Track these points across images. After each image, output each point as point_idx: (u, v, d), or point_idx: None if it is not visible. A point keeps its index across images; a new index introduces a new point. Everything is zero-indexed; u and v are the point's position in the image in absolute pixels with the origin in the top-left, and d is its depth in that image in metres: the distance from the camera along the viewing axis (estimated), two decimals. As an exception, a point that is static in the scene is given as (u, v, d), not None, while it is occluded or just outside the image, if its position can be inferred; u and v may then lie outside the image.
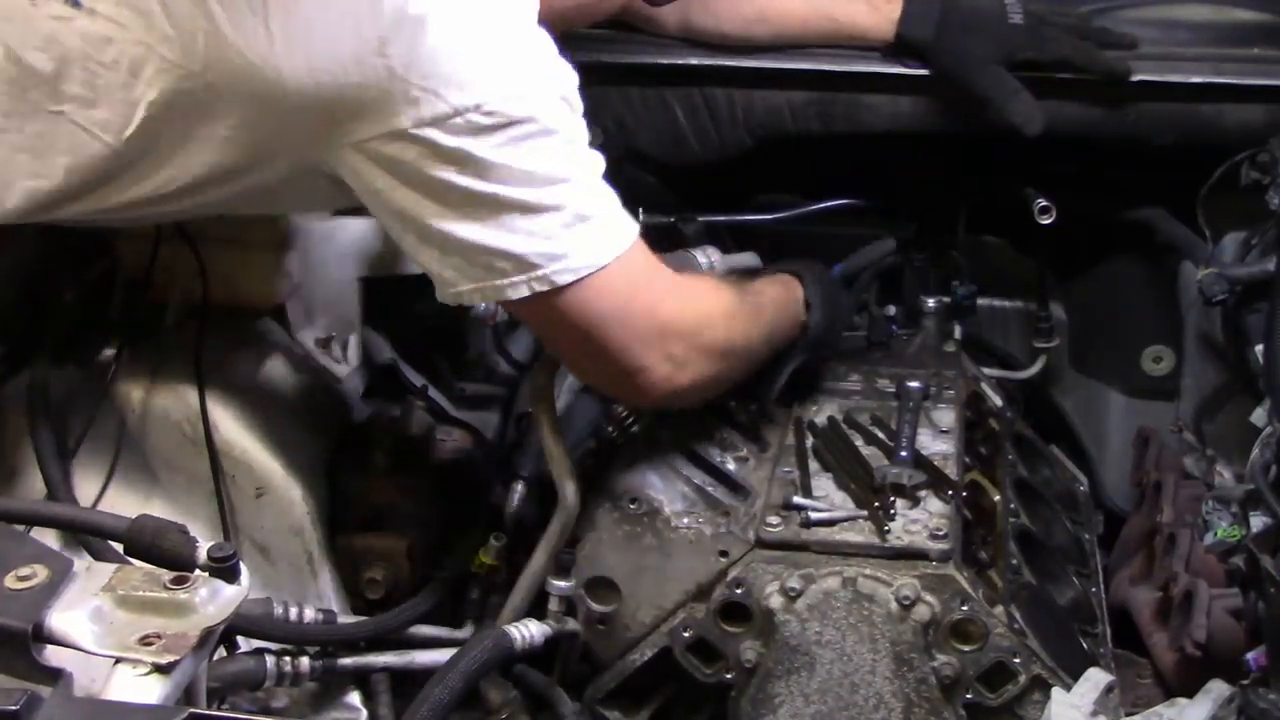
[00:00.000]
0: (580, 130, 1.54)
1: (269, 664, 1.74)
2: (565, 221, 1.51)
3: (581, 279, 1.53)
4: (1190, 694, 1.59)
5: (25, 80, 1.53)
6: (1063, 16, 2.06)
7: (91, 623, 1.13)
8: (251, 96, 1.45)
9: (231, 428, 1.82)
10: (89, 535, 1.64)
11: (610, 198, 1.57)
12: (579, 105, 1.53)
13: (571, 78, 1.53)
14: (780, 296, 1.84)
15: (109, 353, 1.85)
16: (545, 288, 1.52)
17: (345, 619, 1.84)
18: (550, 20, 1.54)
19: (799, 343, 1.87)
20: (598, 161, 1.56)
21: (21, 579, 1.14)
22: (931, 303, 2.22)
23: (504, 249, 1.50)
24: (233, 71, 1.44)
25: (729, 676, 1.71)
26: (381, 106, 1.44)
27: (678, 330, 1.65)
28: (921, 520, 1.71)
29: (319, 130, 1.47)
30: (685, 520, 1.76)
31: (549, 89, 1.50)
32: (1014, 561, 1.79)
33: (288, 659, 1.76)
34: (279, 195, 1.66)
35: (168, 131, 1.51)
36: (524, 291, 1.53)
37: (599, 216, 1.55)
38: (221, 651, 1.70)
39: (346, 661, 1.81)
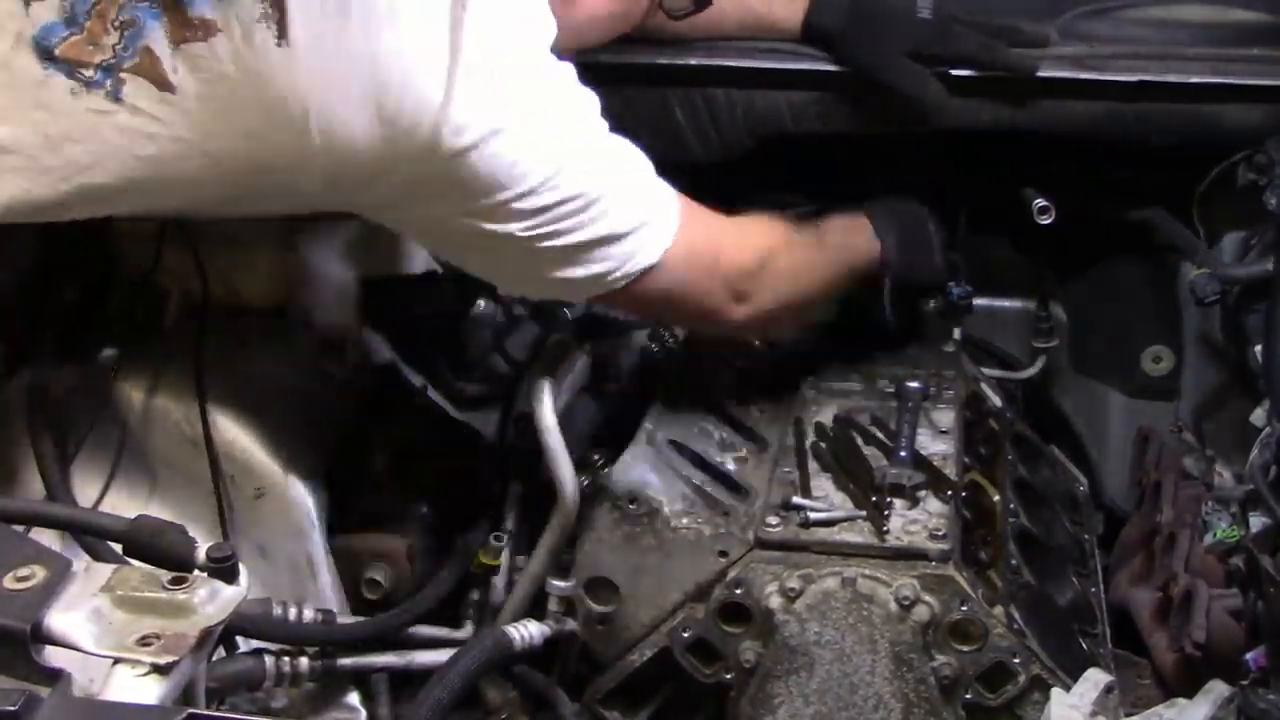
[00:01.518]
0: (607, 155, 1.65)
1: (268, 664, 1.74)
2: (612, 247, 1.64)
3: (637, 277, 1.67)
4: (1190, 694, 1.59)
5: (64, 170, 1.54)
6: (974, 15, 2.07)
7: (90, 623, 1.13)
8: (293, 191, 1.55)
9: (231, 428, 1.82)
10: (88, 535, 1.64)
11: (648, 197, 1.69)
12: (602, 126, 1.64)
13: (594, 105, 1.63)
14: (846, 225, 1.96)
15: (109, 353, 1.84)
16: (601, 292, 1.68)
17: (345, 619, 1.83)
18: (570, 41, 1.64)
19: (883, 275, 1.97)
20: (629, 166, 1.67)
21: (20, 579, 1.14)
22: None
23: (558, 277, 1.65)
24: (270, 167, 1.51)
25: (728, 677, 1.71)
26: (420, 200, 1.56)
27: (741, 272, 1.78)
28: (921, 520, 1.71)
29: (349, 205, 1.62)
30: (685, 520, 1.76)
31: (580, 151, 1.60)
32: (1013, 562, 1.79)
33: (287, 659, 1.76)
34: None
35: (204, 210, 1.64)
36: (584, 296, 1.77)
37: (641, 227, 1.66)
38: (221, 652, 1.70)
39: (346, 662, 1.81)
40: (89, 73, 1.50)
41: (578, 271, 1.64)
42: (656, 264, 1.67)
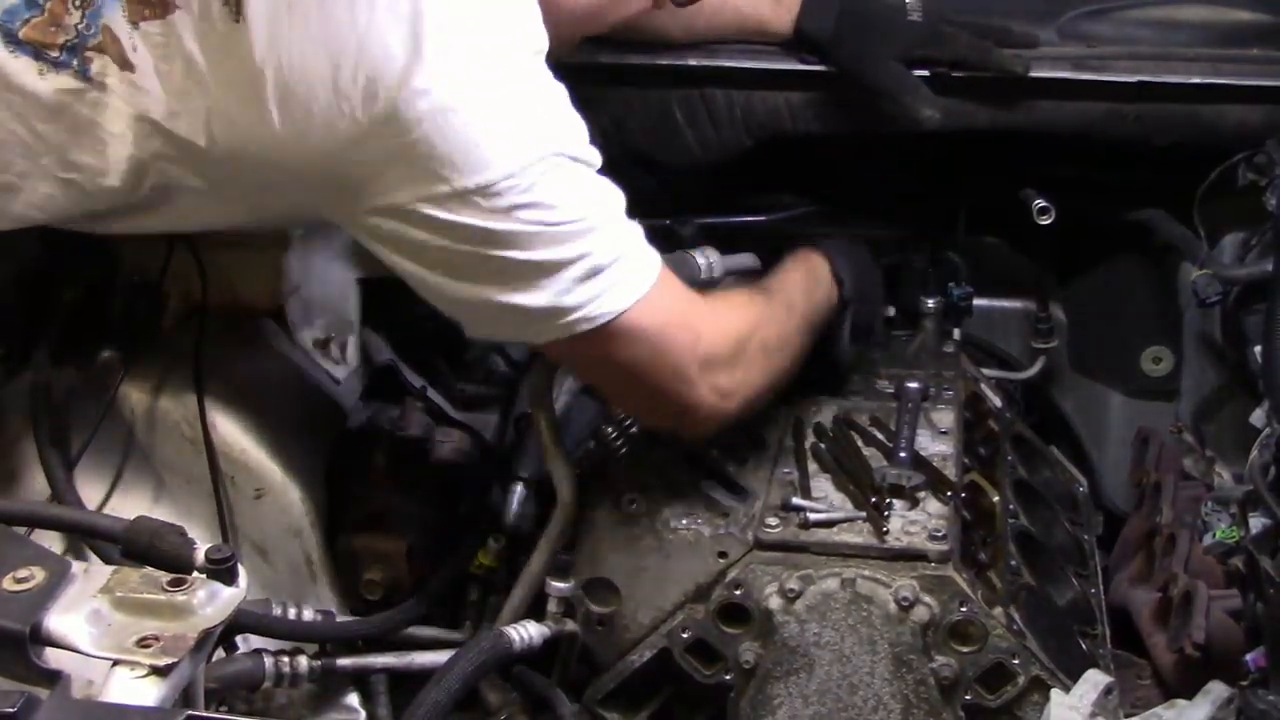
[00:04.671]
0: (589, 181, 1.53)
1: (267, 665, 1.74)
2: (577, 275, 1.52)
3: (603, 325, 1.55)
4: (1189, 695, 1.59)
5: (37, 147, 1.55)
6: (965, 16, 2.06)
7: (89, 625, 1.13)
8: (257, 170, 1.50)
9: (230, 429, 1.82)
10: (87, 537, 1.64)
11: (627, 240, 1.57)
12: (591, 156, 1.53)
13: (581, 132, 1.53)
14: (807, 281, 1.85)
15: (109, 353, 1.84)
16: (562, 335, 1.55)
17: (344, 619, 1.84)
18: (560, 34, 1.55)
19: (841, 315, 1.90)
20: (612, 205, 1.56)
21: (19, 581, 1.14)
22: (931, 303, 2.22)
23: (516, 304, 1.52)
24: (238, 149, 1.48)
25: (728, 678, 1.71)
26: (381, 184, 1.47)
27: (719, 360, 1.66)
28: (920, 521, 1.71)
29: (321, 200, 1.54)
30: (684, 521, 1.76)
31: (555, 157, 1.49)
32: (1013, 562, 1.78)
33: (286, 660, 1.76)
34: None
35: (180, 196, 1.56)
36: (544, 338, 1.58)
37: (613, 265, 1.54)
38: (220, 653, 1.70)
39: (345, 662, 1.81)
40: (55, 54, 1.51)
41: (531, 299, 1.51)
42: (625, 317, 1.55)
